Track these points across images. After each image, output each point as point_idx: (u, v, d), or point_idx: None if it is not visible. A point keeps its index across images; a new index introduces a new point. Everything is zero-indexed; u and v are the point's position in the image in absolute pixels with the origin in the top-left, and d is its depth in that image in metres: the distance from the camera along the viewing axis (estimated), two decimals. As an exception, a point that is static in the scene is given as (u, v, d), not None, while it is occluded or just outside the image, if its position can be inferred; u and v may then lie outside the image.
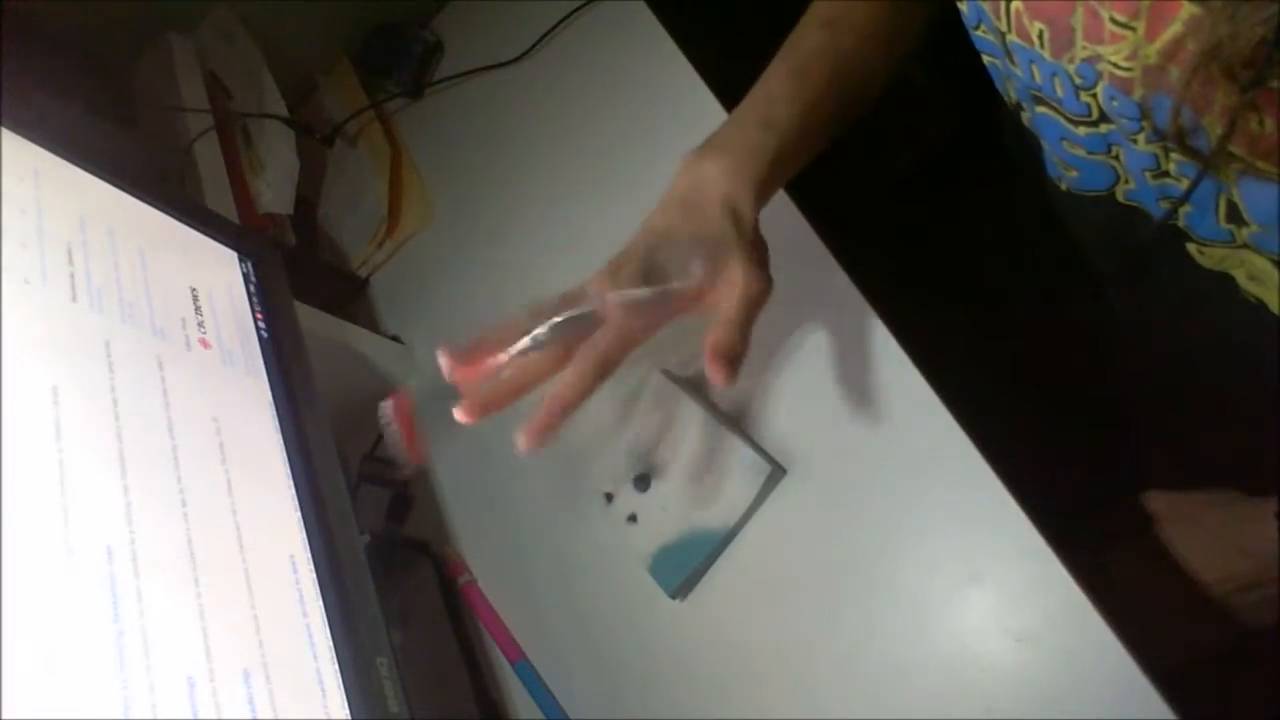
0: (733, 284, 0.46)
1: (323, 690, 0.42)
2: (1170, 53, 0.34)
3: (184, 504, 0.42)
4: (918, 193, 0.83)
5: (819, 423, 0.54)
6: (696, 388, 0.58)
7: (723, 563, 0.55)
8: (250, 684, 0.39)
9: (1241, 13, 0.30)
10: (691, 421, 0.57)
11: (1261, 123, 0.34)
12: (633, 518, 0.57)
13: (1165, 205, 0.44)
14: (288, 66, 0.87)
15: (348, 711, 0.42)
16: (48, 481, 0.37)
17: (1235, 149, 0.35)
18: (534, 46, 0.81)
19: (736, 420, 0.57)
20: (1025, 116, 0.52)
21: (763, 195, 0.51)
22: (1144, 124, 0.39)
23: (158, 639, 0.36)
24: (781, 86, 0.53)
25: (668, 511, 0.56)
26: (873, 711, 0.48)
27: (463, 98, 0.86)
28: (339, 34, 0.92)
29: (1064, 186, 0.51)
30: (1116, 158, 0.45)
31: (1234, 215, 0.40)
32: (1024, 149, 0.53)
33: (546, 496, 0.64)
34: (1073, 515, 0.46)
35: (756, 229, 0.50)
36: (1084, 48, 0.40)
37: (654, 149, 0.60)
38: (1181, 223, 0.43)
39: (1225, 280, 0.45)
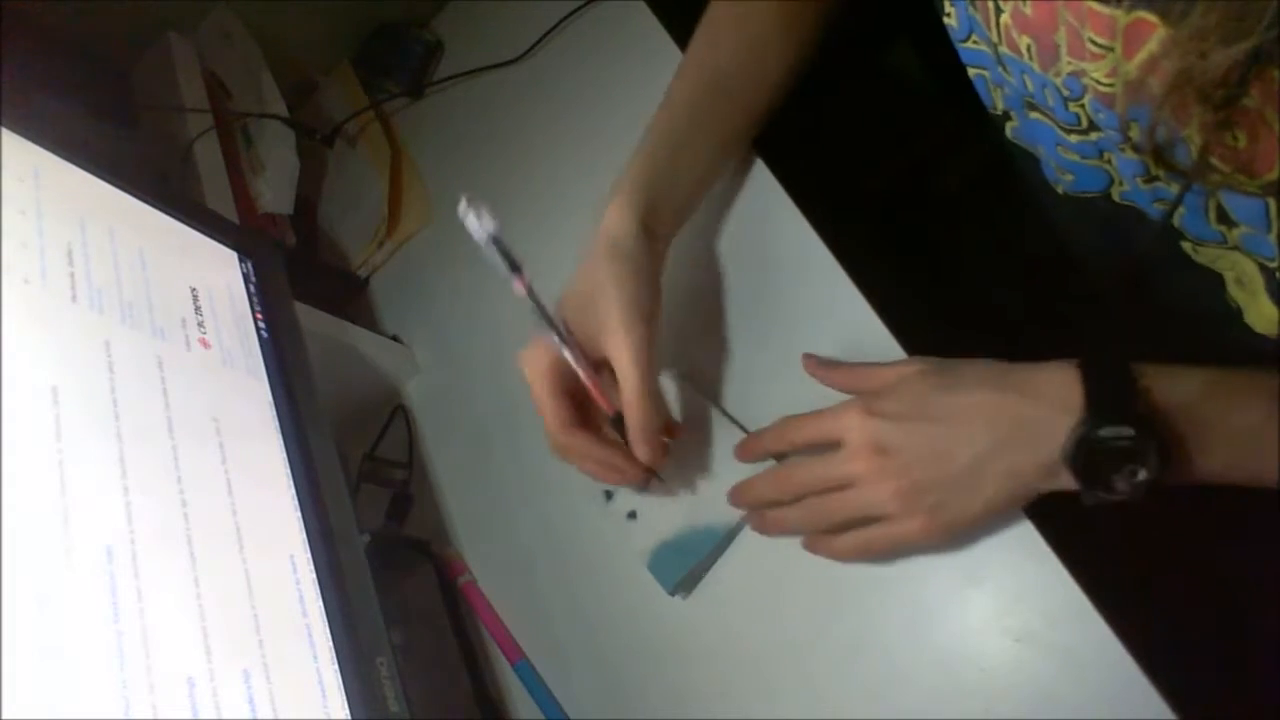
0: (612, 336, 0.50)
1: (323, 690, 0.42)
2: (1149, 67, 0.35)
3: (184, 504, 0.42)
4: (918, 194, 0.83)
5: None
6: (702, 384, 0.58)
7: (723, 562, 0.55)
8: (250, 684, 0.39)
9: (1211, 40, 0.30)
10: (696, 418, 0.57)
11: (1236, 138, 0.34)
12: (633, 514, 0.57)
13: (1159, 206, 0.44)
14: (288, 66, 0.87)
15: (348, 711, 0.42)
16: (48, 481, 0.37)
17: (1214, 161, 0.35)
18: (534, 46, 0.81)
19: (740, 418, 0.56)
20: (1011, 127, 0.52)
21: (656, 216, 0.54)
22: (1126, 139, 0.39)
23: (158, 639, 0.36)
24: (657, 113, 0.57)
25: (668, 508, 0.56)
26: (873, 711, 0.48)
27: (463, 98, 0.86)
28: (339, 34, 0.92)
29: (1060, 189, 0.51)
30: (1109, 162, 0.45)
31: (1223, 217, 0.40)
32: (1020, 153, 0.53)
33: (546, 496, 0.64)
34: (1073, 516, 0.46)
35: (641, 246, 0.52)
36: (1069, 63, 0.40)
37: (654, 149, 0.60)
38: (1176, 222, 0.43)
39: (1217, 280, 0.45)
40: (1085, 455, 0.41)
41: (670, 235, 0.57)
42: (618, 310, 0.50)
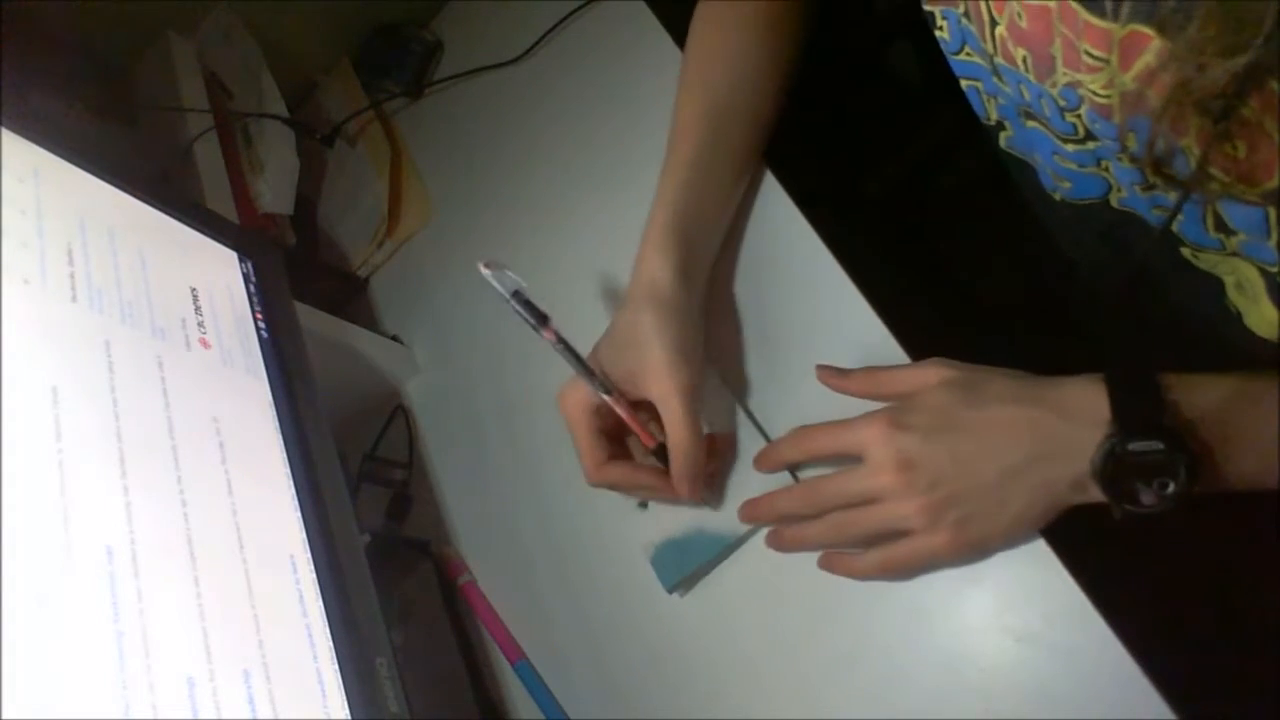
0: (658, 381, 0.50)
1: (323, 690, 0.42)
2: (1146, 79, 0.35)
3: (184, 504, 0.42)
4: (918, 195, 0.83)
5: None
6: (737, 395, 0.58)
7: (723, 562, 0.55)
8: (250, 684, 0.39)
9: (1209, 53, 0.30)
10: (723, 423, 0.57)
11: (1235, 148, 0.34)
12: (643, 504, 0.57)
13: (1158, 213, 0.44)
14: (288, 66, 0.87)
15: (348, 711, 0.42)
16: (48, 481, 0.37)
17: (1214, 170, 0.35)
18: (534, 46, 0.81)
19: (765, 429, 0.56)
20: (1006, 136, 0.52)
21: (692, 257, 0.55)
22: (1124, 150, 0.39)
23: (158, 639, 0.36)
24: (669, 153, 0.58)
25: (680, 505, 0.55)
26: (873, 711, 0.48)
27: (463, 98, 0.86)
28: (339, 34, 0.92)
29: (1058, 197, 0.51)
30: (1106, 170, 0.45)
31: (1221, 225, 0.40)
32: (1014, 162, 0.53)
33: (546, 496, 0.64)
34: (1072, 516, 0.46)
35: (681, 291, 0.53)
36: (1065, 74, 0.40)
37: (654, 149, 0.60)
38: (1175, 229, 0.43)
39: (1217, 285, 0.45)
40: (1114, 469, 0.41)
41: (706, 273, 0.58)
42: (662, 354, 0.50)
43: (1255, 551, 0.53)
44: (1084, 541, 0.46)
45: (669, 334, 0.51)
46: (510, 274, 0.48)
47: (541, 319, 0.49)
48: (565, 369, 0.54)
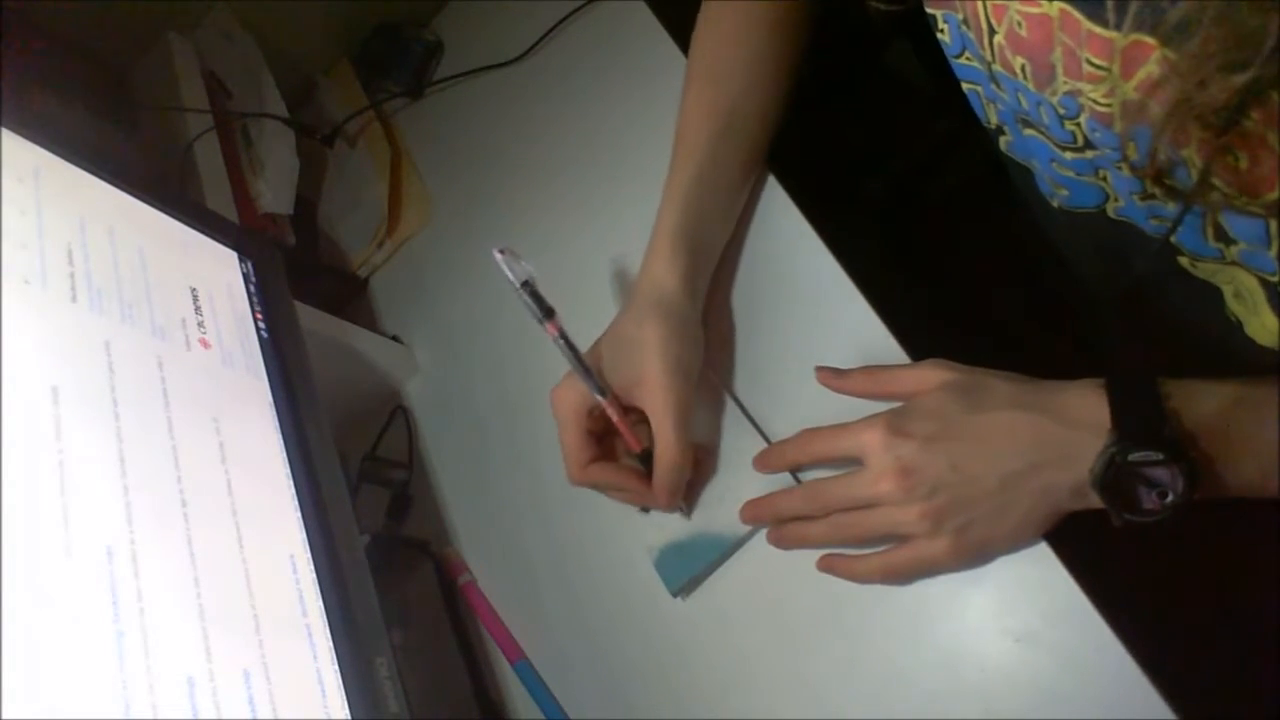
0: (653, 395, 0.50)
1: (323, 690, 0.42)
2: (1148, 89, 0.35)
3: (184, 504, 0.42)
4: (918, 195, 0.83)
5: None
6: (737, 398, 0.58)
7: (725, 563, 0.55)
8: (250, 684, 0.39)
9: (1210, 67, 0.30)
10: (719, 421, 0.57)
11: (1237, 159, 0.34)
12: (645, 508, 0.57)
13: (1156, 223, 0.44)
14: (288, 66, 0.87)
15: (348, 711, 0.42)
16: (48, 481, 0.37)
17: (1216, 181, 0.35)
18: (534, 46, 0.81)
19: (764, 430, 0.56)
20: (1005, 141, 0.52)
21: (697, 266, 0.55)
22: (1124, 159, 0.39)
23: (158, 639, 0.36)
24: (677, 156, 0.58)
25: (681, 508, 0.56)
26: (873, 711, 0.48)
27: (463, 98, 0.86)
28: (339, 34, 0.92)
29: (1056, 204, 0.51)
30: (1104, 179, 0.45)
31: (1221, 234, 0.40)
32: (1015, 165, 0.53)
33: (546, 495, 0.64)
34: (1072, 516, 0.46)
35: (686, 301, 0.53)
36: (1065, 82, 0.40)
37: (654, 149, 0.60)
38: (1173, 239, 0.43)
39: (1216, 294, 0.45)
40: (1114, 478, 0.41)
41: (709, 278, 0.58)
42: (661, 368, 0.50)
43: (1255, 551, 0.53)
44: (1084, 542, 0.46)
45: (670, 348, 0.51)
46: (524, 263, 0.49)
47: (548, 312, 0.50)
48: (564, 370, 0.54)
